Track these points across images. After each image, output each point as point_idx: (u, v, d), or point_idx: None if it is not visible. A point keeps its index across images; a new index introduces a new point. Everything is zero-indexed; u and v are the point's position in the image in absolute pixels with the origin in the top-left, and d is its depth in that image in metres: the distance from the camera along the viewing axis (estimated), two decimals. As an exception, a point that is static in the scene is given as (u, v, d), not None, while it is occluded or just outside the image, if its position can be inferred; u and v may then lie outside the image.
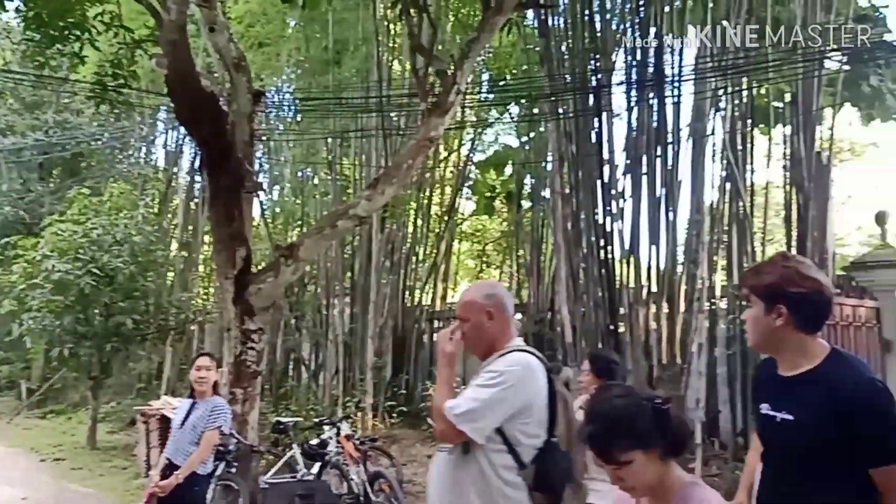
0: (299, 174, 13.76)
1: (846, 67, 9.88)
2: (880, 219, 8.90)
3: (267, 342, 12.31)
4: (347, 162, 12.58)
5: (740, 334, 8.77)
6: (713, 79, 9.21)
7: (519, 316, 10.89)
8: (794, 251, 8.97)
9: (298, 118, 12.97)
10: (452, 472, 2.49)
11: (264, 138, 12.49)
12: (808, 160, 9.01)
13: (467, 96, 11.68)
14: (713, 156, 9.19)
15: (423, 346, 11.47)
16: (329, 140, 12.16)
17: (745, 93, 9.52)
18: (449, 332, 2.66)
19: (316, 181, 13.51)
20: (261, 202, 12.24)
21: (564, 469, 2.46)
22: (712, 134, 9.16)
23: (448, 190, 13.35)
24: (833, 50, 9.61)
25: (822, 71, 9.33)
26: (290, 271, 6.83)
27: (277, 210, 13.94)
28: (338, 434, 7.25)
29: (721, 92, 9.28)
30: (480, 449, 2.43)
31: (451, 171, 13.56)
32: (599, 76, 9.57)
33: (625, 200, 9.16)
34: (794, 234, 9.05)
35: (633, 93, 9.46)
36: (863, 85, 10.18)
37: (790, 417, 2.16)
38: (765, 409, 2.27)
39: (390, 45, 11.90)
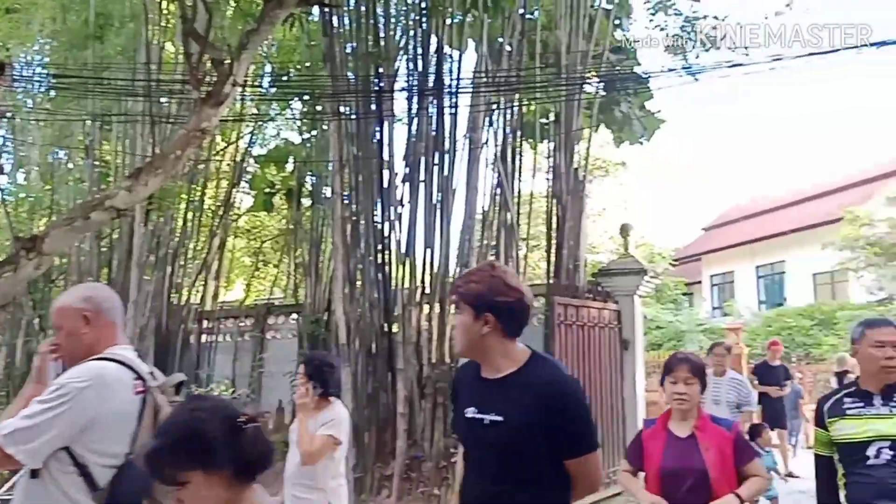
0: (50, 158, 12.31)
1: (602, 93, 10.96)
2: (624, 231, 9.98)
3: (4, 343, 10.96)
4: (108, 147, 11.50)
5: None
6: (487, 93, 9.73)
7: (295, 316, 10.70)
8: (553, 257, 9.76)
9: (51, 95, 11.60)
10: (24, 497, 2.24)
11: (8, 115, 11.05)
12: (567, 175, 9.82)
13: (248, 88, 11.25)
14: (486, 165, 9.71)
15: (189, 347, 10.82)
16: (87, 122, 11.01)
17: (515, 108, 10.16)
18: (46, 342, 2.45)
19: (70, 166, 12.18)
20: (0, 187, 10.82)
21: (138, 488, 2.19)
22: (486, 144, 9.67)
23: (224, 184, 12.72)
24: (591, 76, 10.64)
25: (581, 94, 10.24)
26: (31, 266, 6.11)
27: (22, 196, 12.37)
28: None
29: (494, 106, 9.84)
30: (48, 472, 2.19)
31: (228, 165, 12.95)
32: (382, 81, 9.68)
33: (403, 206, 9.35)
34: (554, 241, 9.81)
35: (414, 100, 9.69)
36: (615, 110, 11.30)
37: (499, 418, 2.27)
38: (471, 412, 2.36)
39: (162, 24, 11.06)
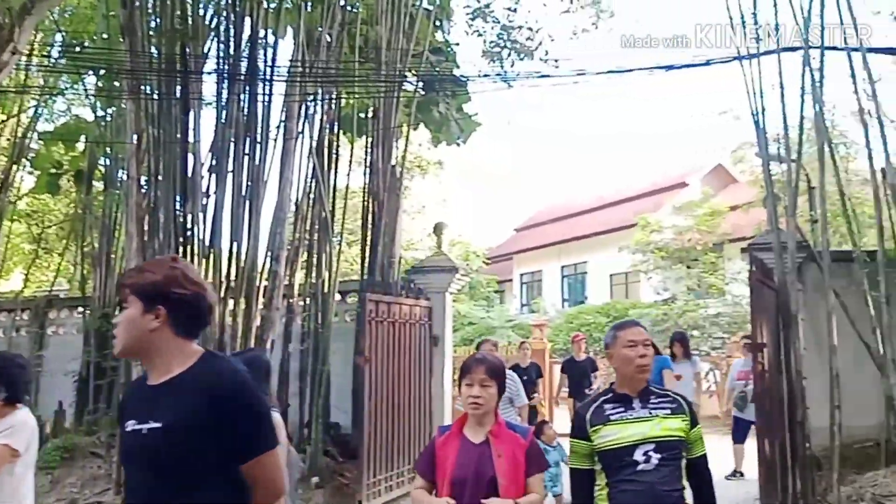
0: None
1: (421, 92, 11.05)
2: (437, 229, 10.13)
3: None
4: None
5: (314, 330, 9.15)
6: (304, 83, 9.43)
7: (81, 310, 9.76)
8: (367, 253, 9.70)
9: None
10: None
11: None
12: (384, 171, 9.80)
13: (34, 57, 10.10)
14: (301, 157, 9.42)
15: (-49, 344, 9.54)
16: None
17: (333, 100, 9.96)
18: None
19: None
20: None
21: None
22: (301, 135, 9.38)
23: (2, 161, 11.33)
24: (411, 74, 10.70)
25: (400, 92, 10.26)
26: None
27: None
28: None
29: (311, 96, 9.57)
30: None
31: (8, 140, 11.55)
32: (189, 62, 9.05)
33: (208, 196, 8.80)
34: (369, 237, 9.76)
35: (225, 84, 9.16)
36: (433, 110, 11.44)
37: (158, 425, 2.05)
38: (130, 425, 2.13)
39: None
